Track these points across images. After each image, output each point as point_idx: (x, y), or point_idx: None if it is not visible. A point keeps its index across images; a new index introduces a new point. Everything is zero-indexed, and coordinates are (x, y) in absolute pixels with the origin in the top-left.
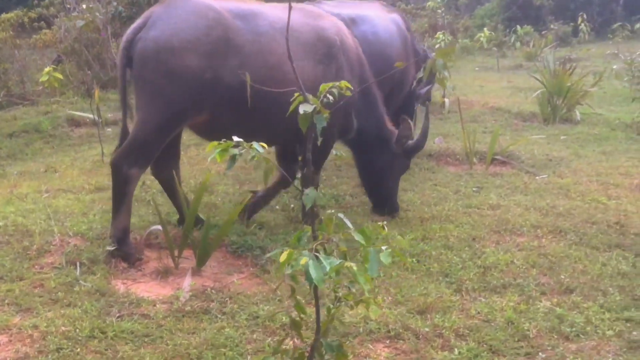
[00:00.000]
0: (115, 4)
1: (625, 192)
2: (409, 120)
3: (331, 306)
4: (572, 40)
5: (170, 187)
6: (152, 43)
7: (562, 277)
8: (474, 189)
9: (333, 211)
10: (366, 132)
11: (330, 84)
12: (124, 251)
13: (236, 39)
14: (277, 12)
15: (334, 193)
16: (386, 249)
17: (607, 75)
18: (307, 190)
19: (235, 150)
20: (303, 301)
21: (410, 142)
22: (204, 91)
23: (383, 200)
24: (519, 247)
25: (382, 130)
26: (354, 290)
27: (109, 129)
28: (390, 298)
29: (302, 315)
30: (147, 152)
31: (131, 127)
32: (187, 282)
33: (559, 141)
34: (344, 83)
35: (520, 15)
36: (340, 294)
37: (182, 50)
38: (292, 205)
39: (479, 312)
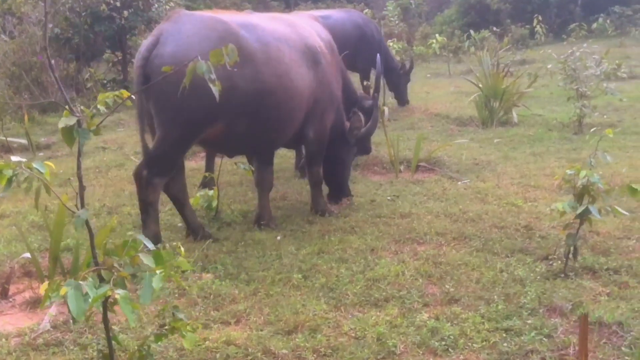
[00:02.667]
0: (51, 26)
1: (544, 193)
2: (360, 114)
3: (147, 335)
4: (529, 43)
5: (179, 200)
6: (170, 59)
7: (448, 286)
8: (388, 197)
9: (132, 232)
10: (333, 128)
11: (113, 93)
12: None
13: (247, 47)
14: (269, 23)
15: (243, 209)
16: (160, 272)
17: (543, 75)
18: (78, 212)
19: (9, 172)
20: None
21: (360, 131)
22: (221, 102)
23: (337, 186)
24: (417, 256)
25: (343, 126)
26: (181, 316)
27: (41, 154)
28: (262, 319)
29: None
30: (169, 164)
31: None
32: (53, 312)
33: (492, 144)
34: (124, 92)
35: (478, 20)
36: (167, 321)
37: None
38: (179, 224)
39: (351, 329)
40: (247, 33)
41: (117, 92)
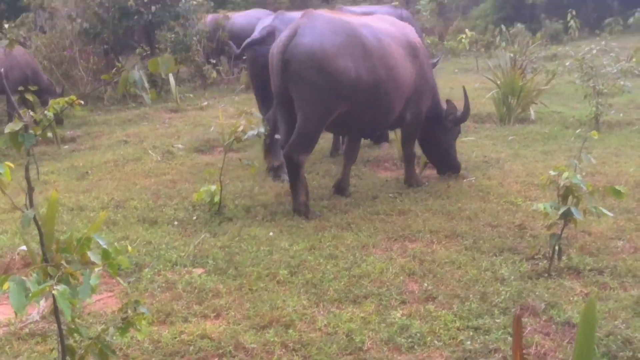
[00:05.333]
0: (79, 20)
1: (545, 192)
2: (452, 102)
3: (105, 328)
4: (563, 38)
5: (298, 167)
6: (309, 47)
7: (427, 284)
8: (390, 194)
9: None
10: (430, 111)
11: (63, 99)
12: (310, 215)
13: (367, 44)
14: (379, 23)
15: (247, 204)
16: (98, 270)
17: (562, 73)
18: (26, 212)
19: None
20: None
21: (456, 115)
22: (350, 87)
23: (446, 164)
24: (405, 254)
25: (439, 109)
26: (143, 310)
27: (66, 146)
28: (241, 313)
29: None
30: (311, 141)
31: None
32: (42, 304)
33: (506, 142)
34: (73, 97)
35: (514, 14)
36: (129, 315)
37: (333, 54)
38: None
39: (325, 325)
40: (366, 31)
41: (67, 98)
